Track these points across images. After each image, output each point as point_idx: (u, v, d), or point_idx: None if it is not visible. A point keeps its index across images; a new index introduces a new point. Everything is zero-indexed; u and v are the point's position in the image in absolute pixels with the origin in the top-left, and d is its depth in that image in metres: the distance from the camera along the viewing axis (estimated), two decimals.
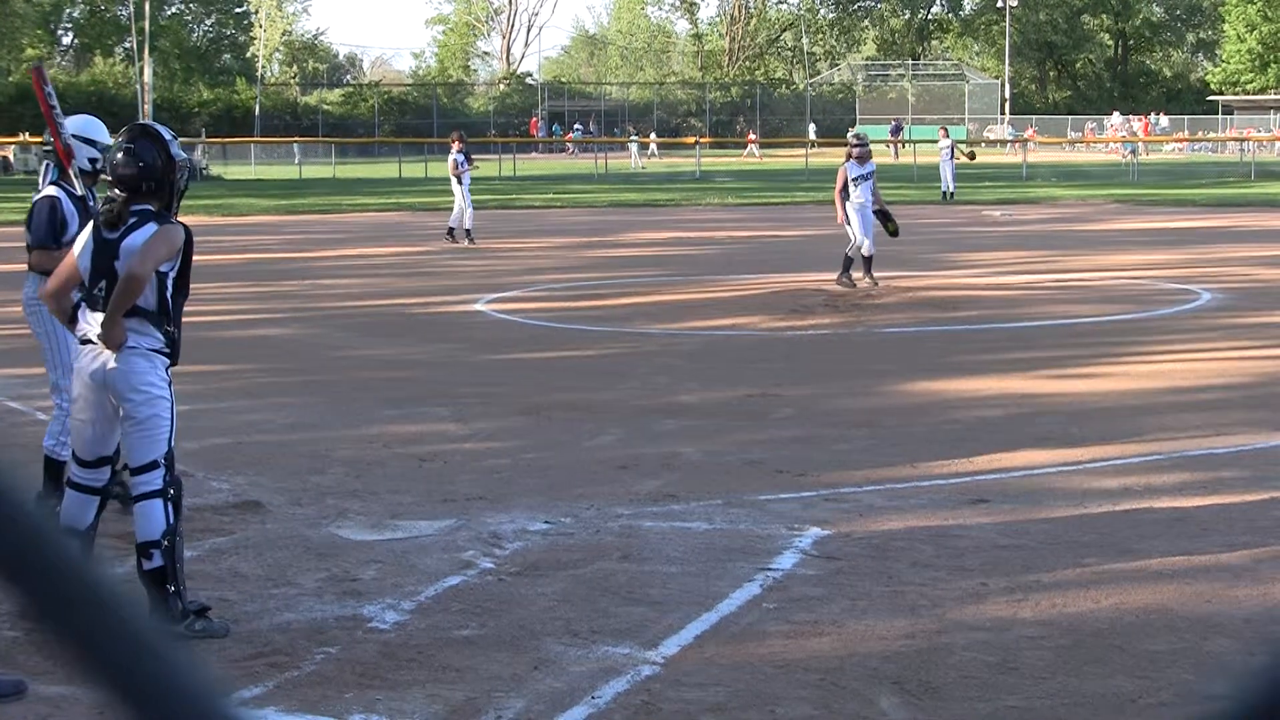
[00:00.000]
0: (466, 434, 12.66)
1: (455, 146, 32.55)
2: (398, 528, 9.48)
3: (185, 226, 7.73)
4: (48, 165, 10.01)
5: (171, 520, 7.51)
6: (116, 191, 7.74)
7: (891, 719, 6.37)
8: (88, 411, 7.69)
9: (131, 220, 7.60)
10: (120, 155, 7.73)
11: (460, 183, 32.25)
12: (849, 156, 23.48)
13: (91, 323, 7.56)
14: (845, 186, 23.13)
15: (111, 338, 7.44)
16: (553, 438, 12.45)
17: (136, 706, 0.90)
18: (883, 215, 23.26)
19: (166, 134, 7.92)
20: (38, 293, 9.20)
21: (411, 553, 8.91)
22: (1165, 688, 6.66)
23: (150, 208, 7.65)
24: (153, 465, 7.53)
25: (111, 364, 7.47)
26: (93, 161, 9.79)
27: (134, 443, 7.59)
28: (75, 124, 9.89)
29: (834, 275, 23.17)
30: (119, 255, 7.52)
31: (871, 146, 24.57)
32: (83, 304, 7.69)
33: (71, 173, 9.65)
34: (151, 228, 7.56)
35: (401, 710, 6.47)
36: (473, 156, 33.37)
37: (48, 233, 9.65)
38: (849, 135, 25.89)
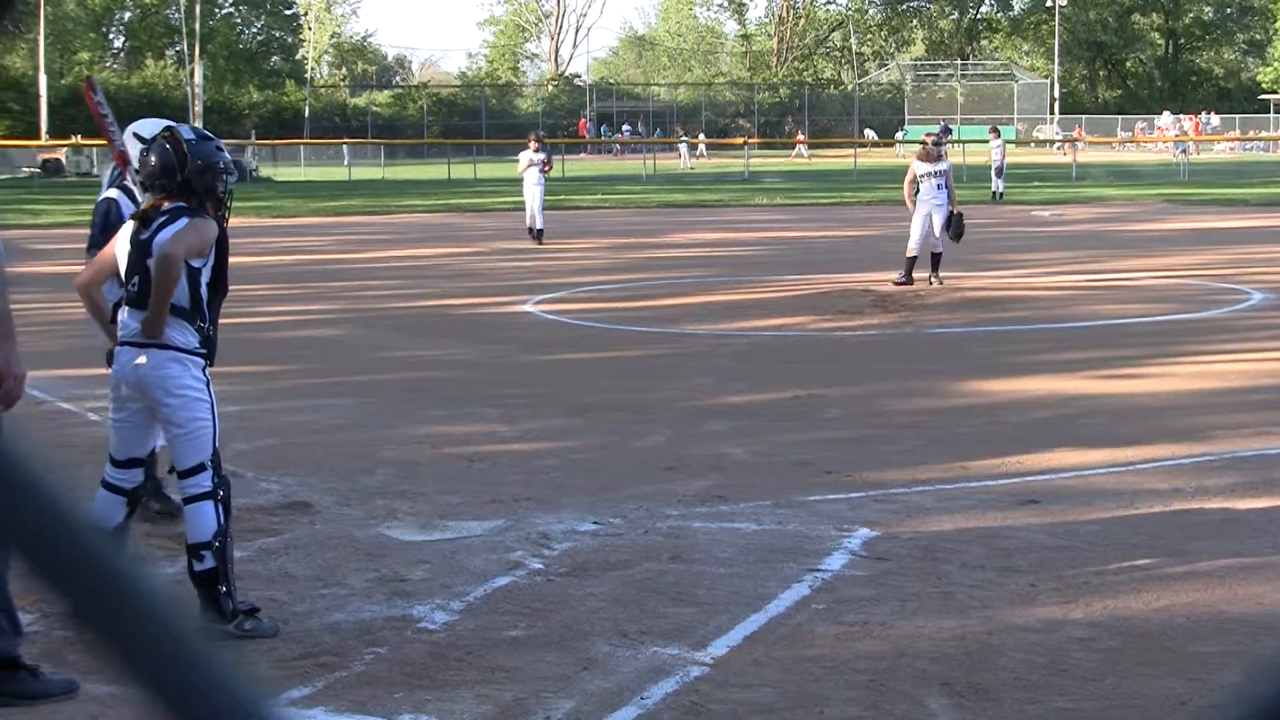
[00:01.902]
0: (515, 434, 12.68)
1: (532, 146, 32.85)
2: (446, 528, 9.50)
3: (220, 224, 7.75)
4: (113, 168, 10.03)
5: (222, 521, 7.53)
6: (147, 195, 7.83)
7: None
8: (122, 412, 7.72)
9: (163, 217, 7.63)
10: (143, 154, 7.83)
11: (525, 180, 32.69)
12: (919, 156, 23.60)
13: (129, 321, 7.61)
14: (915, 182, 23.26)
15: (154, 328, 7.45)
16: (601, 438, 12.46)
17: (178, 708, 0.91)
18: (955, 217, 23.24)
19: (189, 134, 7.92)
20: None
21: (460, 553, 8.93)
22: (1216, 690, 6.63)
23: (182, 205, 7.68)
24: (199, 468, 7.55)
25: (145, 367, 7.48)
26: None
27: (177, 446, 7.61)
28: (143, 127, 9.91)
29: (891, 275, 23.21)
30: (151, 252, 7.54)
31: (944, 147, 24.60)
32: (123, 304, 7.74)
33: (129, 178, 9.64)
34: (184, 221, 7.59)
35: (451, 711, 6.48)
36: (548, 160, 33.57)
37: (101, 235, 9.67)
38: (924, 135, 25.85)
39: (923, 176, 23.20)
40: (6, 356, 6.64)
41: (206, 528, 7.49)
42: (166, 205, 7.68)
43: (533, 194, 32.55)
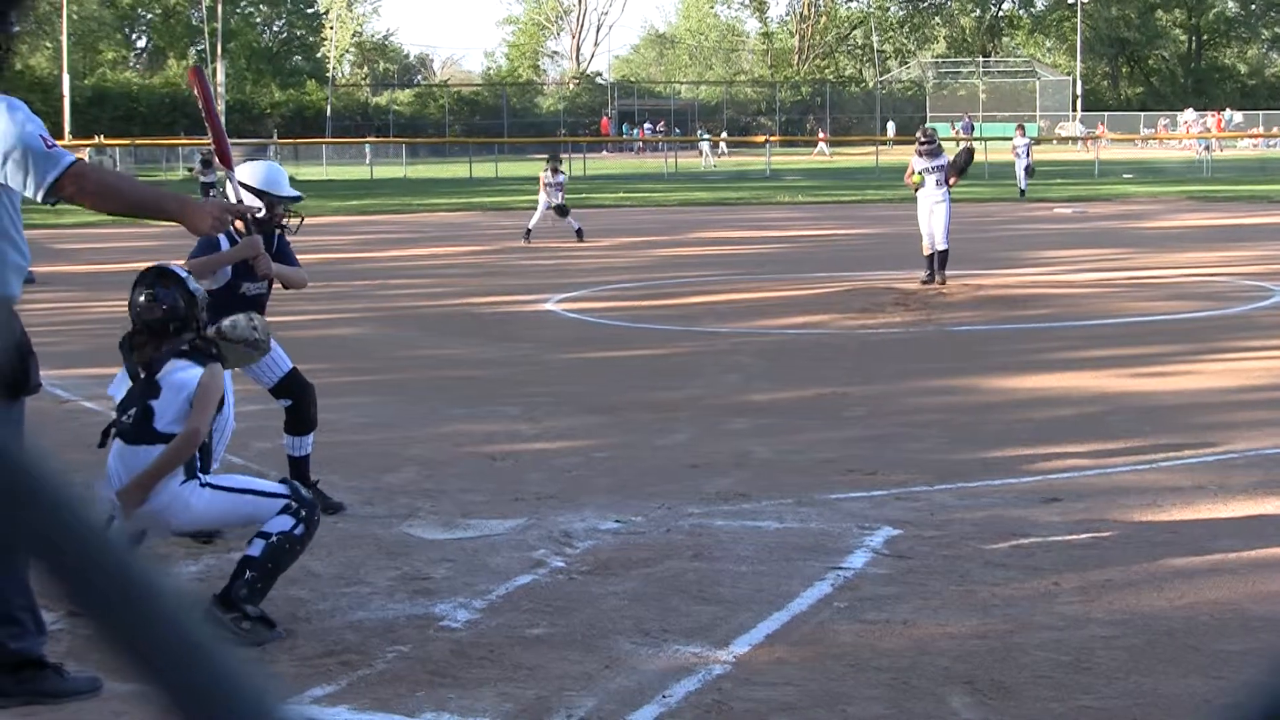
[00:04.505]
0: (537, 433, 12.68)
1: (550, 169, 32.94)
2: (469, 526, 9.51)
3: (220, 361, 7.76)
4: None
5: (295, 531, 7.47)
6: (140, 337, 7.69)
7: (963, 718, 6.35)
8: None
9: (168, 358, 7.57)
10: (142, 300, 7.68)
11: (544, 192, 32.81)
12: (918, 153, 23.55)
13: (120, 462, 7.48)
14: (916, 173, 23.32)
15: (134, 499, 7.32)
16: (623, 436, 12.46)
17: (187, 708, 0.91)
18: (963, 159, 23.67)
19: (180, 271, 7.90)
20: None
21: (483, 551, 8.94)
22: (1240, 688, 6.60)
23: (184, 346, 7.61)
24: (284, 510, 7.52)
25: (146, 512, 7.41)
26: (258, 212, 9.84)
27: (249, 532, 7.60)
28: (247, 173, 9.94)
29: (905, 273, 23.16)
30: (157, 391, 7.44)
31: (941, 142, 24.61)
32: (113, 434, 7.60)
33: (230, 187, 9.62)
34: (194, 370, 7.50)
35: (473, 709, 6.49)
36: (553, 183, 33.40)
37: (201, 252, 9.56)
38: (917, 133, 25.75)
39: (922, 171, 23.23)
40: (192, 222, 6.67)
41: (278, 524, 7.45)
42: (166, 349, 7.62)
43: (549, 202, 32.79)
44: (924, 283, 22.76)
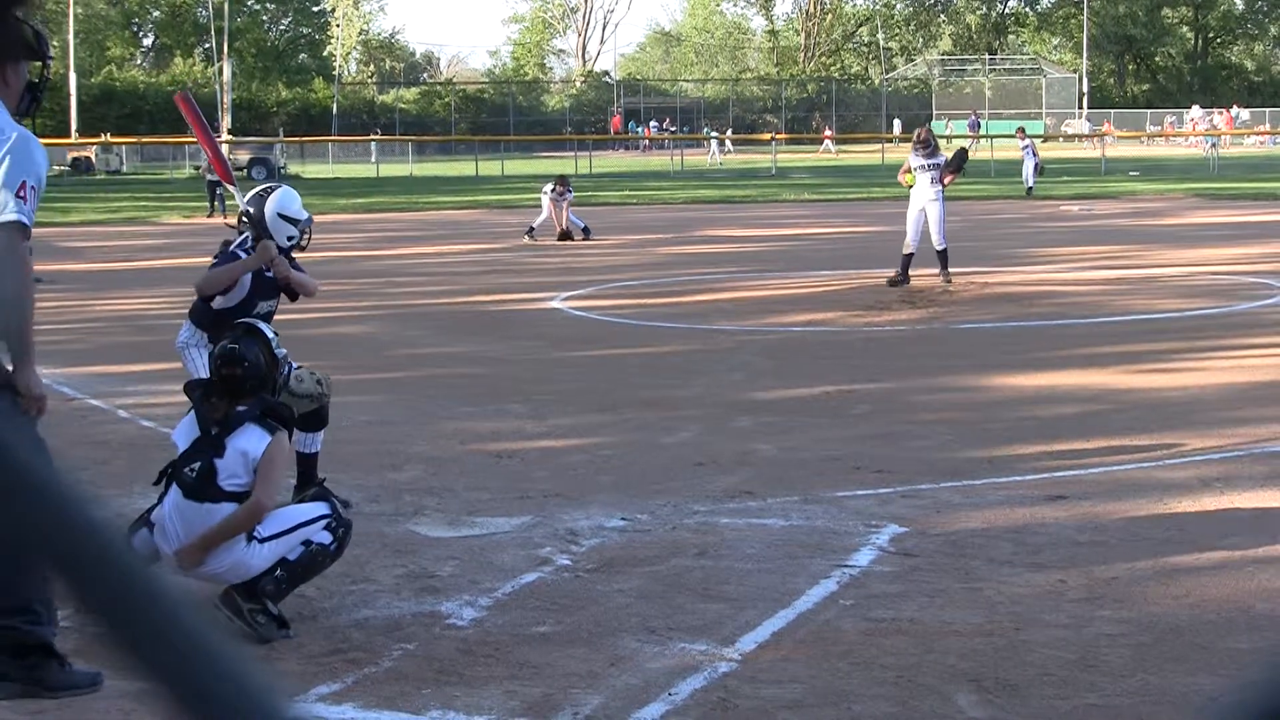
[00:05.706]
0: (543, 431, 12.68)
1: (558, 189, 32.79)
2: (475, 524, 9.51)
3: (286, 427, 7.76)
4: (246, 237, 10.00)
5: (330, 545, 7.60)
6: (216, 390, 7.71)
7: (969, 716, 6.35)
8: None
9: (242, 421, 7.56)
10: (225, 354, 7.77)
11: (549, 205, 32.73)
12: (914, 151, 23.47)
13: (176, 514, 7.48)
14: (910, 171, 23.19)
15: (191, 561, 7.37)
16: (629, 435, 12.46)
17: (190, 707, 0.91)
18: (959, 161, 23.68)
19: (269, 331, 8.00)
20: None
21: (489, 549, 8.94)
22: (1240, 685, 6.59)
23: (257, 409, 7.61)
24: (325, 527, 7.63)
25: (205, 570, 7.46)
26: (290, 239, 9.94)
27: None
28: (277, 204, 10.03)
29: (911, 271, 23.13)
30: (223, 451, 7.45)
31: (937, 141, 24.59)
32: (170, 481, 7.61)
33: (234, 190, 9.78)
34: (263, 439, 7.50)
35: (479, 706, 6.49)
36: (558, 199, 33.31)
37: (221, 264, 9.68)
38: (915, 132, 25.67)
39: (917, 169, 23.03)
40: (26, 380, 6.54)
41: (318, 537, 7.53)
42: (241, 409, 7.61)
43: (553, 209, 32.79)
44: (891, 283, 22.46)
